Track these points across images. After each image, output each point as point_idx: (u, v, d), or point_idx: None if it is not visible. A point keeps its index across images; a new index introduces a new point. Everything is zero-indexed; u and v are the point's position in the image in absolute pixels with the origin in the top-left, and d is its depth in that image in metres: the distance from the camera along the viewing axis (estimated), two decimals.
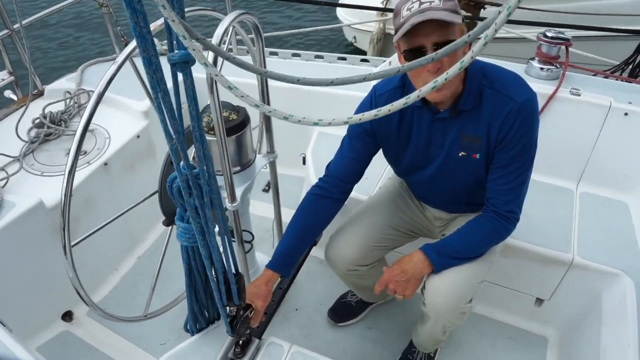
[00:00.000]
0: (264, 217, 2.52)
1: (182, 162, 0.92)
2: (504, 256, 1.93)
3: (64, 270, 1.39)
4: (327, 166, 1.65)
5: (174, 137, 0.83)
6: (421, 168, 1.57)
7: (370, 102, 1.54)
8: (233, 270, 1.20)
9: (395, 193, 1.82)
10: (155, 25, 1.39)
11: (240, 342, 1.45)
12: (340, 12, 6.13)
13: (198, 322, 1.63)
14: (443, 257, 1.46)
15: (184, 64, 0.75)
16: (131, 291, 2.34)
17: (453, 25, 1.23)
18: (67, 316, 2.19)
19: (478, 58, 1.45)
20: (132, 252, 2.54)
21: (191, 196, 0.97)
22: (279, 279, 1.57)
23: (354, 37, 6.20)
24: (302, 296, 2.26)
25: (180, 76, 0.78)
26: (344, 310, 2.14)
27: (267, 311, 1.60)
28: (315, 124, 0.64)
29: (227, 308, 1.30)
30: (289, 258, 1.54)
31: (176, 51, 0.74)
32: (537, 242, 1.91)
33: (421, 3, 1.22)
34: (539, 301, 2.06)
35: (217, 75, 0.70)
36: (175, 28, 0.61)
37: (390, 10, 3.90)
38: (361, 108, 1.56)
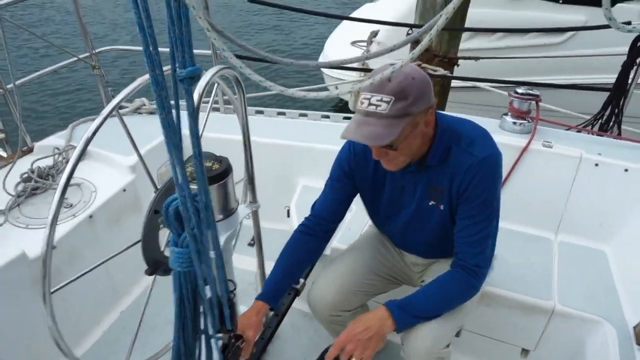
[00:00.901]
0: (248, 270, 2.52)
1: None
2: (486, 305, 1.94)
3: (43, 324, 1.37)
4: (313, 206, 1.74)
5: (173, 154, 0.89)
6: (395, 215, 1.64)
7: (348, 149, 1.62)
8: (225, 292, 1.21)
9: (376, 239, 1.86)
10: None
11: None
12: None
13: None
14: (406, 315, 1.46)
15: (190, 79, 0.83)
16: (113, 346, 2.29)
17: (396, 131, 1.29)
18: None
19: (452, 114, 1.54)
20: (115, 306, 2.50)
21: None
22: (269, 310, 1.59)
23: (336, 87, 6.42)
24: (286, 350, 2.22)
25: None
26: None
27: None
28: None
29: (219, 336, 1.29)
30: (278, 291, 1.59)
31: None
32: (518, 290, 1.93)
33: (369, 104, 1.29)
34: (525, 352, 2.05)
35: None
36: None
37: (368, 70, 4.06)
38: (340, 155, 1.66)
